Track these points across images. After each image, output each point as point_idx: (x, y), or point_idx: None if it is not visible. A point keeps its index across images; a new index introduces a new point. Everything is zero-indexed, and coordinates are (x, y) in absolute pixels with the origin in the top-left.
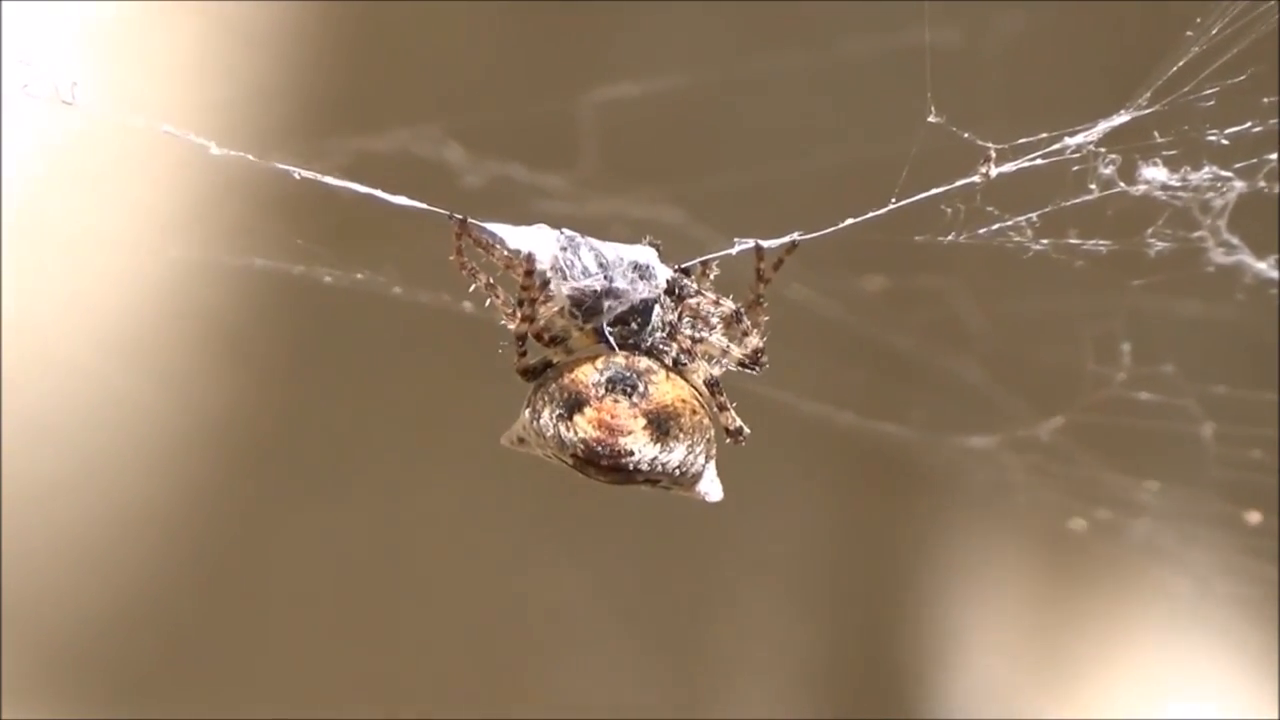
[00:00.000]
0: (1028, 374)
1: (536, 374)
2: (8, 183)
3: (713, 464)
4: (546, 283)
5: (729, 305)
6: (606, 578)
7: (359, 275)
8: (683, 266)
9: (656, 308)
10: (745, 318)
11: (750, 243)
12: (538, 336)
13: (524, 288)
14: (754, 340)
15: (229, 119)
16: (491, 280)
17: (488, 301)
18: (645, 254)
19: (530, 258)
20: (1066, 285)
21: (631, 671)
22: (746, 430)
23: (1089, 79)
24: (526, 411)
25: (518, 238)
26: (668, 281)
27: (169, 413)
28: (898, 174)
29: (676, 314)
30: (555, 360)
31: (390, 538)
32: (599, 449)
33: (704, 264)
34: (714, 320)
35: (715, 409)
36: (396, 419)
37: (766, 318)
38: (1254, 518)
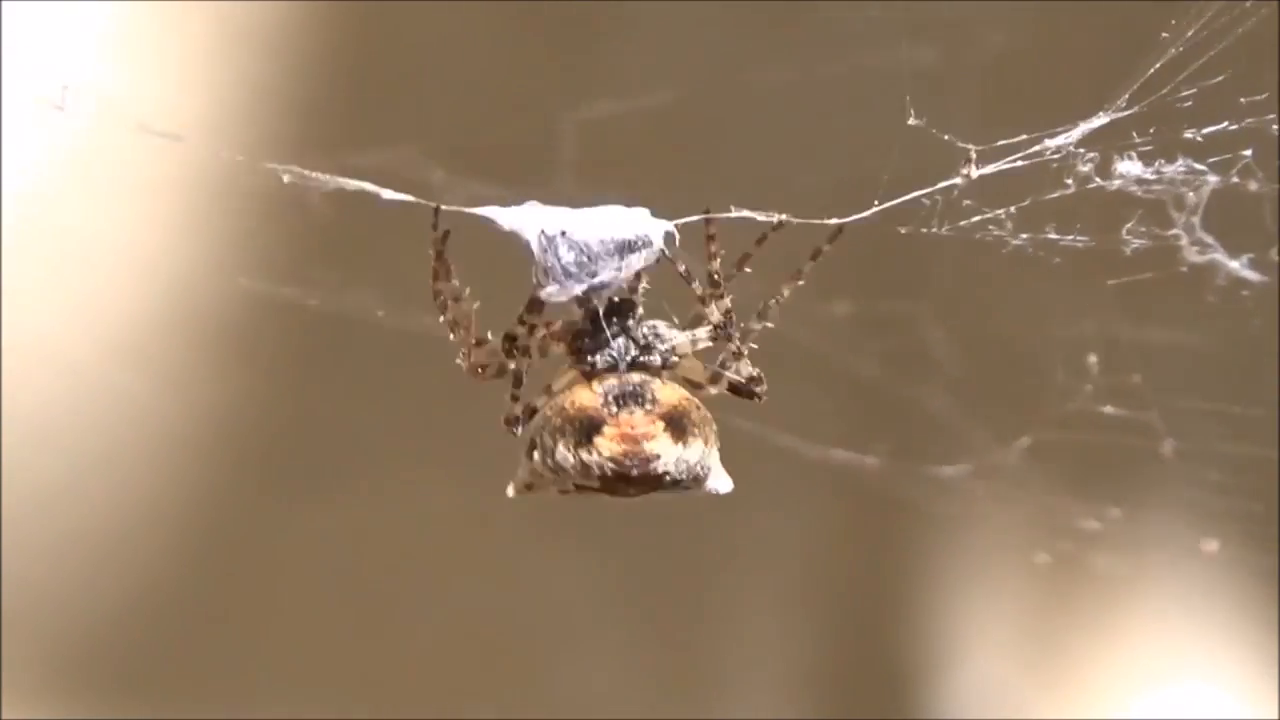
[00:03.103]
0: (996, 391)
1: (521, 422)
2: (8, 184)
3: (717, 454)
4: (541, 304)
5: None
6: (606, 579)
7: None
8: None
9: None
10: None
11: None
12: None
13: (522, 320)
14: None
15: (205, 126)
16: (456, 321)
17: (451, 336)
18: (633, 226)
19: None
20: (1039, 296)
21: (631, 671)
22: (763, 381)
23: (1068, 83)
24: (536, 455)
25: (508, 218)
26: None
27: (169, 415)
28: (879, 187)
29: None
30: (539, 404)
31: (390, 538)
32: (628, 462)
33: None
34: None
35: (733, 358)
36: (397, 420)
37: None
38: (1210, 547)
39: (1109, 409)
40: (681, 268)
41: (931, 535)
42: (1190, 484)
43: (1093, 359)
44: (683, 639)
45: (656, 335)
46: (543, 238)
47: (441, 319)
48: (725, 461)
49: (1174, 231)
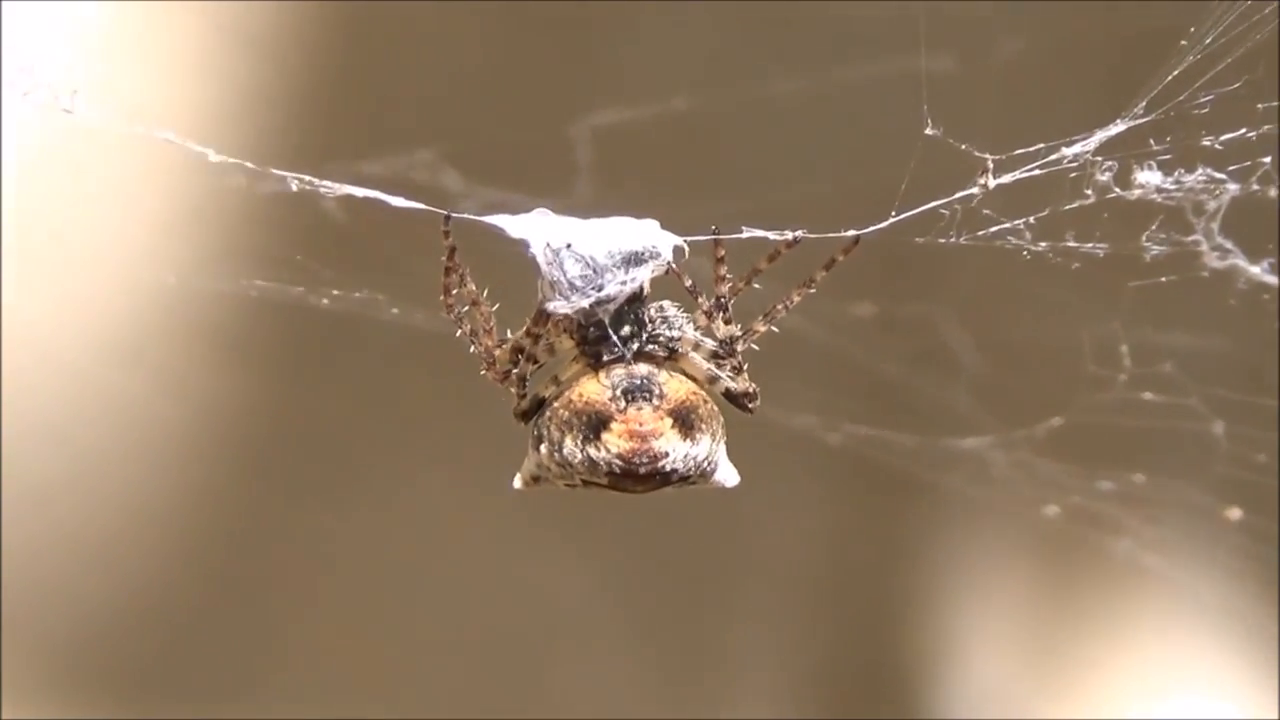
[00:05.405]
0: (1022, 385)
1: (532, 414)
2: (8, 185)
3: (724, 448)
4: (548, 316)
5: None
6: (608, 579)
7: (356, 294)
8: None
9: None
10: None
11: (757, 232)
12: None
13: (530, 333)
14: (727, 329)
15: (225, 130)
16: (475, 330)
17: (472, 349)
18: (641, 238)
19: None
20: (1062, 300)
21: (633, 671)
22: (757, 397)
23: (1085, 92)
24: (542, 448)
25: (517, 226)
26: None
27: (169, 414)
28: (896, 193)
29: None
30: (546, 394)
31: (391, 539)
32: (636, 459)
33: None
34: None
35: (731, 372)
36: (398, 420)
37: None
38: (1234, 514)
39: (1149, 395)
40: (688, 282)
41: (934, 537)
42: (1238, 464)
43: (1124, 348)
44: (684, 639)
45: (664, 319)
46: (548, 250)
47: (459, 333)
48: (734, 462)
49: (1194, 237)
